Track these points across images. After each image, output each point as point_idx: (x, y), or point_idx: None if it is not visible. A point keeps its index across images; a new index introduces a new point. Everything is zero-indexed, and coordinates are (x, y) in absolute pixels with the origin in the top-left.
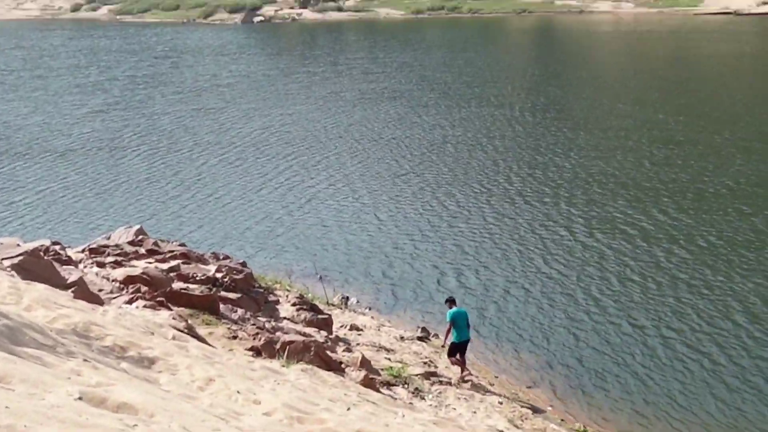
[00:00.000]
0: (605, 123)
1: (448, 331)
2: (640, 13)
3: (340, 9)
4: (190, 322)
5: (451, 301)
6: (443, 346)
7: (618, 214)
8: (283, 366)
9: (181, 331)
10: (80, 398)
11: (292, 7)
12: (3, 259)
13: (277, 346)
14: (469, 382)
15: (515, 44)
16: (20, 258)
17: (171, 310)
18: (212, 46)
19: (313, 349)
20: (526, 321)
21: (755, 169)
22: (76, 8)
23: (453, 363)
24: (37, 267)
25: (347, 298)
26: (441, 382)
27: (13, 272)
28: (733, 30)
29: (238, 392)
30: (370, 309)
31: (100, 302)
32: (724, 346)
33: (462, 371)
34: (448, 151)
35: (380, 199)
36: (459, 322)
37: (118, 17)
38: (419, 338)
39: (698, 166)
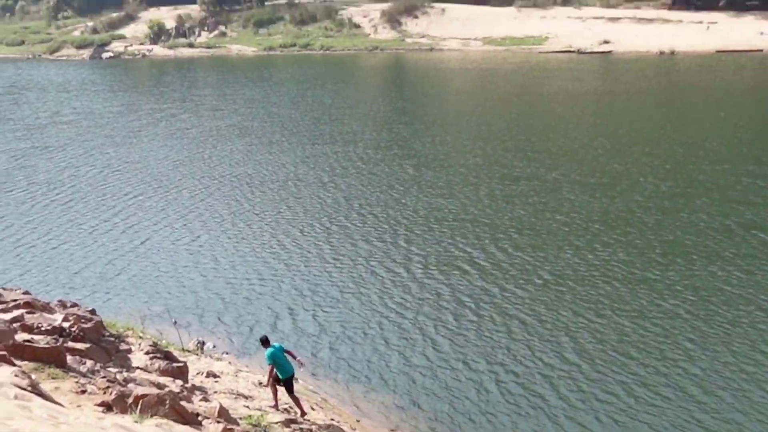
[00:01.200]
0: (448, 160)
1: (271, 372)
2: (488, 51)
3: (191, 45)
4: (34, 377)
5: (264, 341)
6: (265, 385)
7: (457, 252)
8: (136, 422)
9: (24, 389)
10: None
11: (142, 43)
12: None
13: (130, 400)
14: (330, 427)
15: (365, 81)
16: None
17: (14, 364)
18: (56, 83)
19: (167, 402)
20: (386, 361)
21: (590, 204)
22: None
23: (275, 393)
24: None
25: (203, 343)
26: (302, 430)
27: None
28: (575, 68)
29: None
30: (227, 354)
31: None
32: (557, 384)
33: (300, 408)
34: (291, 190)
35: (233, 239)
36: (279, 360)
37: None
38: None
39: (536, 202)
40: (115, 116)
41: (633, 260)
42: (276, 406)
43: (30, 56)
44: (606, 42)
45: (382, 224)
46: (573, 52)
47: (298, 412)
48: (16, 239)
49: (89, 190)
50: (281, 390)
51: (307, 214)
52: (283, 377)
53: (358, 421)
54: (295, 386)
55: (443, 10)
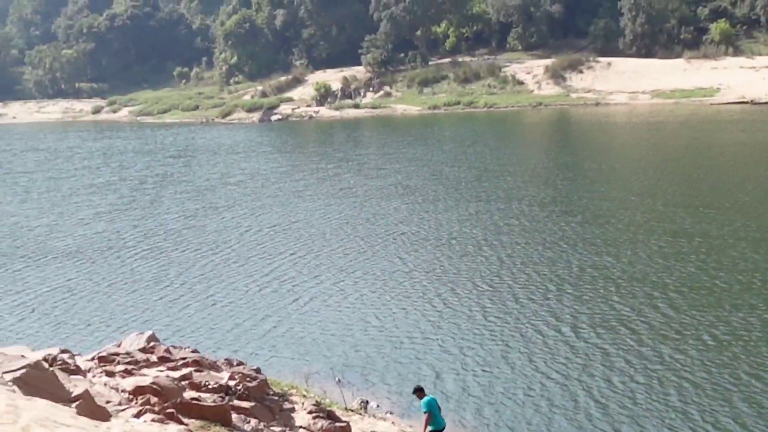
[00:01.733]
0: (615, 216)
1: (428, 421)
2: (656, 104)
3: (356, 106)
4: None
5: (420, 390)
6: None
7: (626, 310)
8: None
9: None
10: None
11: (309, 105)
12: (4, 373)
13: None
14: None
15: (528, 137)
16: (22, 371)
17: (181, 422)
18: (226, 145)
19: None
20: (540, 425)
21: (765, 262)
22: (96, 110)
23: None
24: (40, 380)
25: (367, 402)
26: None
27: (14, 387)
28: (748, 119)
29: None
30: (390, 413)
31: (106, 417)
32: None
33: None
34: (453, 248)
35: (396, 298)
36: (435, 411)
37: (138, 118)
38: None
39: (710, 259)
40: (281, 176)
41: None
42: None
43: (203, 120)
44: None
45: (547, 282)
46: (746, 102)
47: None
48: (186, 298)
49: (255, 248)
50: None
51: (469, 271)
52: (436, 429)
53: None
54: None
55: (609, 64)
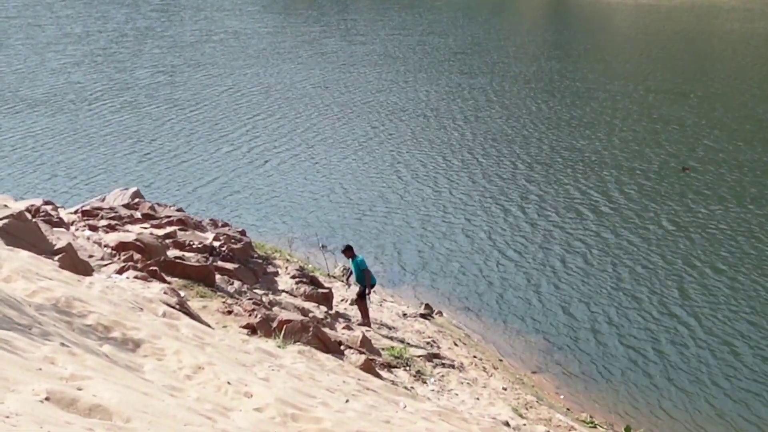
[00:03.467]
0: (595, 98)
1: (368, 279)
2: None
3: None
4: (183, 294)
5: (349, 249)
6: (354, 303)
7: (593, 194)
8: (279, 347)
9: (173, 307)
10: (47, 398)
11: None
12: None
13: (274, 325)
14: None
15: (521, 12)
16: (5, 221)
17: (164, 280)
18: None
19: (311, 329)
20: (534, 302)
21: None
22: None
23: (361, 308)
24: (22, 231)
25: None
26: (443, 365)
27: None
28: (742, 6)
29: (228, 383)
30: None
31: (89, 271)
32: (738, 346)
33: (367, 318)
34: (429, 121)
35: (385, 165)
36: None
37: None
38: (422, 315)
39: (684, 147)
40: (265, 36)
41: None
42: (368, 323)
43: None
44: None
45: (515, 160)
46: None
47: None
48: (167, 155)
49: (235, 109)
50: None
51: (442, 144)
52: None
53: (500, 360)
54: (440, 319)
55: None
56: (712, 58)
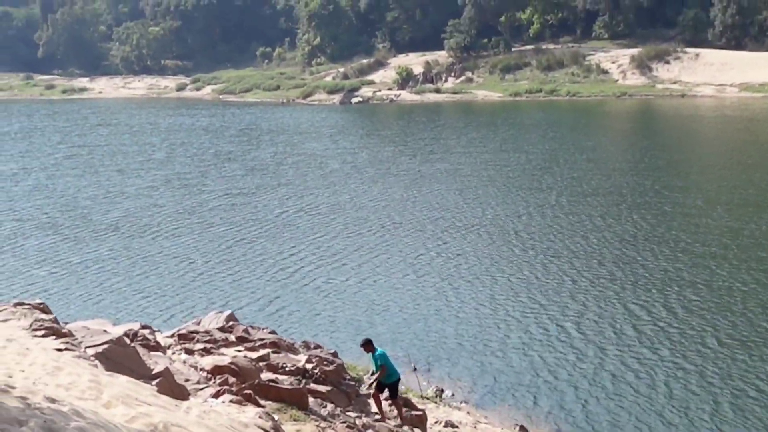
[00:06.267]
0: (695, 215)
1: (382, 375)
2: (745, 98)
3: (438, 90)
4: (277, 418)
5: (369, 344)
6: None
7: (681, 321)
8: None
9: None
10: None
11: (390, 89)
12: (87, 347)
13: None
14: None
15: (608, 127)
16: (105, 347)
17: (258, 404)
18: (304, 125)
19: None
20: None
21: None
22: (180, 87)
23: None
24: (122, 356)
25: (442, 390)
26: None
27: (96, 362)
28: None
29: None
30: (466, 403)
31: (186, 396)
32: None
33: (401, 414)
34: (521, 238)
35: (474, 287)
36: (388, 362)
37: (220, 97)
38: None
39: None
40: (365, 158)
41: None
42: (383, 418)
43: (284, 100)
44: None
45: (606, 283)
46: None
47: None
48: (259, 278)
49: (346, 232)
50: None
51: (528, 264)
52: (390, 381)
53: None
54: None
55: (697, 55)
56: None
